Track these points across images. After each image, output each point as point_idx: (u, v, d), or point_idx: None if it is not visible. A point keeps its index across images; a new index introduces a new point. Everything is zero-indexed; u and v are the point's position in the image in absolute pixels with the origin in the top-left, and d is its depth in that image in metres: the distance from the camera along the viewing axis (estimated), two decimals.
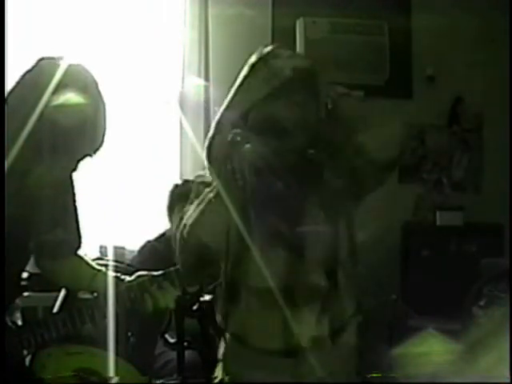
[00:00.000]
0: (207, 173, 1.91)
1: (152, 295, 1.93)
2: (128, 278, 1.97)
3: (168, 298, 1.96)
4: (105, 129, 1.78)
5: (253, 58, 1.89)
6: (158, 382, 2.18)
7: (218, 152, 1.80)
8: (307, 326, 1.78)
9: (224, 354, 1.93)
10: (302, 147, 1.76)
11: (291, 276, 1.78)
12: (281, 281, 1.77)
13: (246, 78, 1.84)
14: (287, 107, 1.75)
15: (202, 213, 1.85)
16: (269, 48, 1.90)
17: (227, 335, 1.92)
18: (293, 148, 1.75)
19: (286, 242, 1.78)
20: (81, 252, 2.06)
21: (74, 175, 1.94)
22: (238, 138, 1.74)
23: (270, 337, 1.78)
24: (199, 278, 1.97)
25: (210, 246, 1.84)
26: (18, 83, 1.76)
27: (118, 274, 1.98)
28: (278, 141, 1.73)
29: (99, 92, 1.77)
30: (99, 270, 2.00)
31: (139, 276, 1.97)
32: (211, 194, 1.85)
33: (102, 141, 1.78)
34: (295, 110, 1.75)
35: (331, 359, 1.77)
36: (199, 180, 1.98)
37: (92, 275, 1.99)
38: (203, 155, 1.87)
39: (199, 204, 1.88)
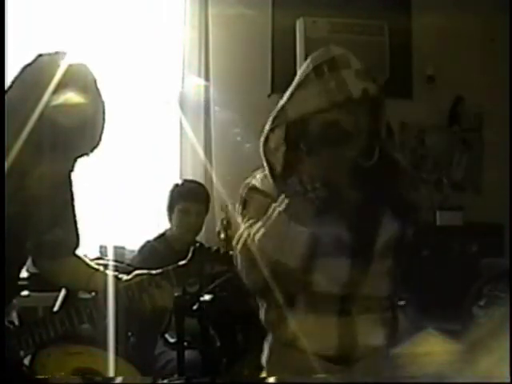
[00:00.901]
0: (257, 174, 1.88)
1: (150, 294, 1.92)
2: (126, 277, 1.96)
3: (166, 298, 1.95)
4: (103, 127, 1.77)
5: (320, 56, 1.79)
6: (162, 381, 2.18)
7: (275, 147, 1.76)
8: (363, 336, 1.75)
9: (270, 359, 1.90)
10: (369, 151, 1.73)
11: (353, 285, 1.75)
12: (342, 289, 1.75)
13: (308, 77, 1.75)
14: (349, 118, 1.69)
15: (273, 228, 1.72)
16: (339, 51, 1.79)
17: (272, 340, 1.89)
18: (358, 153, 1.72)
19: (352, 251, 1.74)
20: (80, 252, 2.06)
21: (74, 175, 1.93)
22: (304, 149, 1.69)
23: (323, 342, 1.75)
24: (268, 296, 1.82)
25: (283, 263, 1.72)
26: (16, 78, 1.75)
27: (116, 273, 1.98)
28: (344, 146, 1.68)
29: (98, 90, 1.77)
30: (97, 269, 2.00)
31: (137, 275, 1.97)
32: (279, 207, 1.72)
33: (100, 139, 1.77)
34: (354, 124, 1.70)
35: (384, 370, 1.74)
36: (250, 186, 1.90)
37: (90, 274, 1.98)
38: (260, 149, 1.80)
39: (268, 218, 1.74)
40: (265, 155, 1.80)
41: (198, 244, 2.05)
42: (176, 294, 2.05)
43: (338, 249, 1.74)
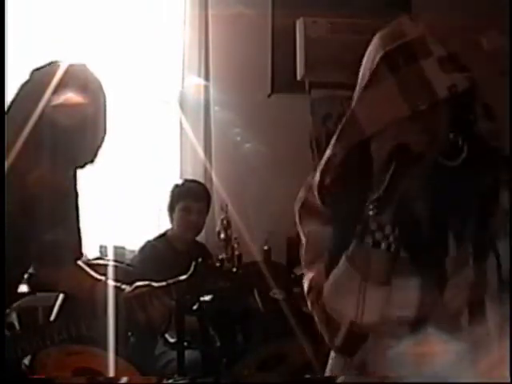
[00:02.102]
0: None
1: (149, 309, 1.89)
2: (128, 288, 1.94)
3: (165, 312, 1.92)
4: (105, 129, 1.77)
5: (391, 37, 1.38)
6: (167, 381, 2.18)
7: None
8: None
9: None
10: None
11: (426, 311, 1.45)
12: (414, 314, 1.45)
13: (379, 70, 1.34)
14: (423, 133, 1.35)
15: (346, 289, 1.39)
16: (415, 33, 1.38)
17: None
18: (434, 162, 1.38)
19: (425, 273, 1.44)
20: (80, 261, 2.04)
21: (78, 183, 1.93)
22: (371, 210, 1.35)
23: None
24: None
25: (362, 325, 1.40)
26: (27, 82, 1.76)
27: (118, 284, 1.95)
28: (413, 168, 1.35)
29: (102, 92, 1.76)
30: (99, 280, 1.97)
31: (138, 287, 1.93)
32: (348, 263, 1.40)
33: (102, 141, 1.77)
34: (432, 135, 1.35)
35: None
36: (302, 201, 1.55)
37: (92, 285, 1.96)
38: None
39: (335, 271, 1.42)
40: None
41: (200, 259, 2.01)
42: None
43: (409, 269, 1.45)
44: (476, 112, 1.40)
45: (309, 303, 1.48)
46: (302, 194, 1.56)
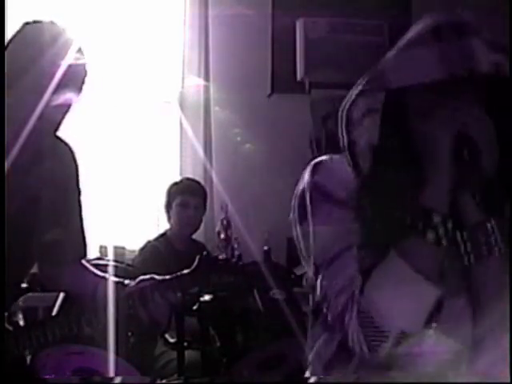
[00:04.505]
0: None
1: (150, 304, 1.88)
2: (132, 283, 1.93)
3: (168, 308, 1.90)
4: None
5: (443, 17, 1.34)
6: (161, 381, 2.17)
7: (363, 113, 1.24)
8: None
9: None
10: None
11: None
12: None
13: (424, 37, 1.28)
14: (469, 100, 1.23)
15: (398, 286, 1.18)
16: (469, 18, 1.33)
17: None
18: None
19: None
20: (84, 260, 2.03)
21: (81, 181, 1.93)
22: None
23: None
24: None
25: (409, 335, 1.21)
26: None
27: (121, 280, 1.94)
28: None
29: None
30: (103, 277, 1.96)
31: (141, 280, 1.89)
32: (398, 253, 1.19)
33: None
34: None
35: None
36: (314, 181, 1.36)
37: (96, 284, 1.94)
38: (340, 122, 1.27)
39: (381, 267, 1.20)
40: (347, 128, 1.27)
41: (204, 253, 1.99)
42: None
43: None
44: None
45: (335, 312, 1.22)
46: (309, 179, 1.37)
